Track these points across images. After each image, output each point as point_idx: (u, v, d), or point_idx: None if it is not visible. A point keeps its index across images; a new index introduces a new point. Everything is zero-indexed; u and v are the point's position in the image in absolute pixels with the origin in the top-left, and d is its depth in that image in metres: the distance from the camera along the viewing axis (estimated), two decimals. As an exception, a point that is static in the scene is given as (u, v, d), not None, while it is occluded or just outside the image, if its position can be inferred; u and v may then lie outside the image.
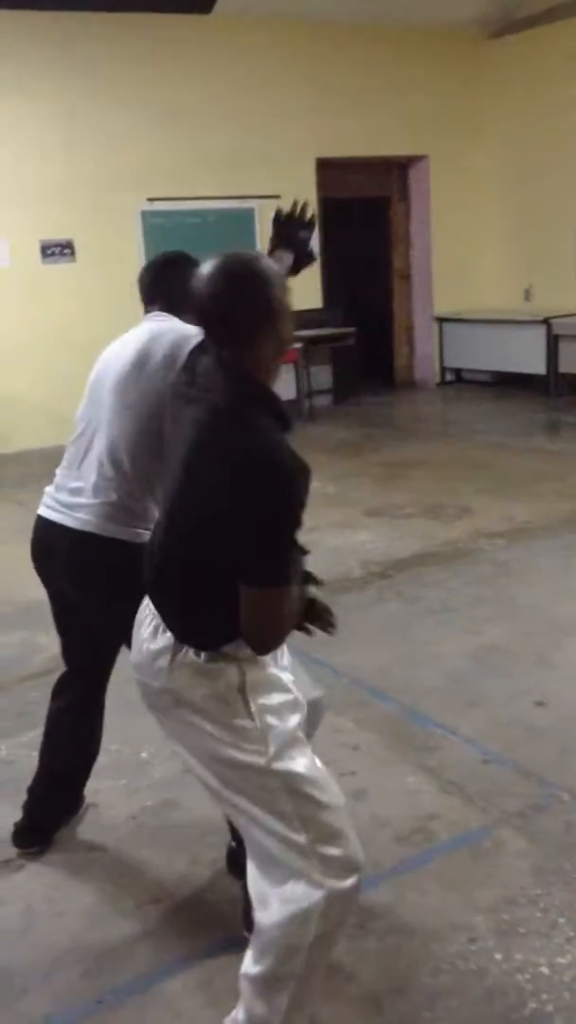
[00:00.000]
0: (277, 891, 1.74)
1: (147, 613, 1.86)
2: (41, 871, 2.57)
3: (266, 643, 1.73)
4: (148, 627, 1.83)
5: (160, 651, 1.78)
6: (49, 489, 2.48)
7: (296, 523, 1.66)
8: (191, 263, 2.47)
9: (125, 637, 1.99)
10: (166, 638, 1.77)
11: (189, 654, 1.75)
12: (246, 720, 1.73)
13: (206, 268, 1.75)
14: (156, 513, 2.15)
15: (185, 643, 1.76)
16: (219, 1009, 2.03)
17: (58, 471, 2.48)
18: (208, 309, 1.73)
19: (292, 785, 1.73)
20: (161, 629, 1.79)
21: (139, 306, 2.51)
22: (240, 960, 2.15)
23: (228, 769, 1.75)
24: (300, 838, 1.72)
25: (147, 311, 2.48)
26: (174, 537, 1.75)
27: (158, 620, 1.80)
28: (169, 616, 1.78)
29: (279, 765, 1.73)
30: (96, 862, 2.59)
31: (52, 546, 2.41)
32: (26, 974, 2.20)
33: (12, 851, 2.62)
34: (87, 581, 2.36)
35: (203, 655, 1.74)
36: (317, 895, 1.71)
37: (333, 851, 1.74)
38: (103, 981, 2.16)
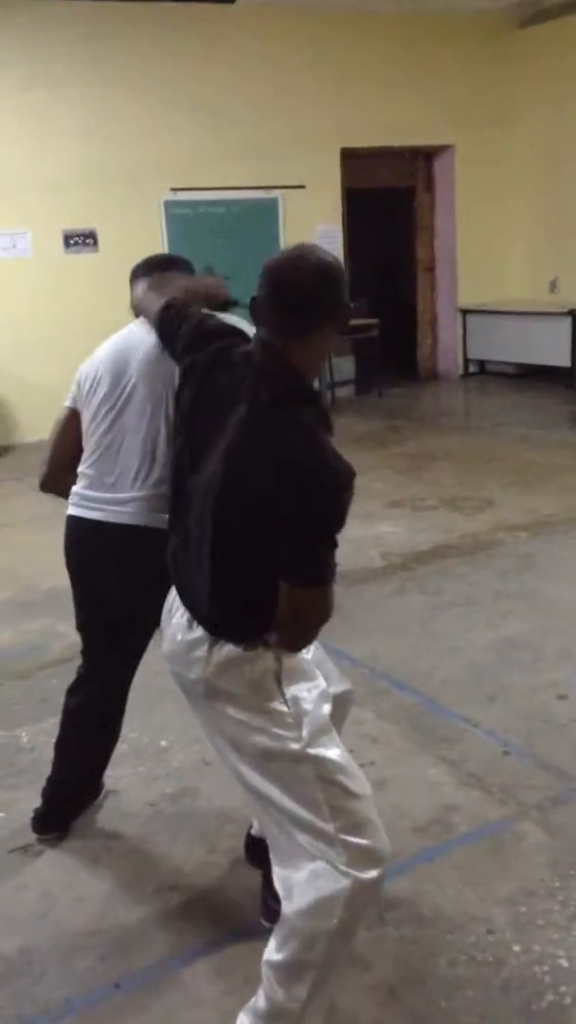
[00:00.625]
0: (302, 880, 1.74)
1: (178, 603, 1.86)
2: (60, 857, 2.58)
3: (301, 639, 1.75)
4: (181, 617, 1.83)
5: (196, 641, 1.78)
6: (80, 489, 2.43)
7: (341, 524, 1.66)
8: (190, 266, 2.49)
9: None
10: (202, 628, 1.78)
11: (227, 645, 1.75)
12: (282, 706, 1.74)
13: (288, 255, 1.75)
14: None
15: (221, 637, 1.76)
16: (237, 996, 2.04)
17: (86, 469, 2.43)
18: (289, 295, 1.71)
19: (324, 772, 1.73)
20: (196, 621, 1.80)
21: None
22: (258, 949, 2.16)
23: (261, 756, 1.75)
24: (329, 827, 1.72)
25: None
26: (209, 531, 1.74)
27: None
28: (203, 610, 1.78)
29: (313, 751, 1.73)
30: (115, 849, 2.60)
31: (96, 544, 2.39)
32: (45, 958, 2.21)
33: (32, 837, 2.63)
34: (137, 573, 2.27)
35: (242, 645, 1.74)
36: (342, 884, 1.71)
37: (361, 841, 1.74)
38: (121, 966, 2.17)
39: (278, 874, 1.80)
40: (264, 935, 2.20)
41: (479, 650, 3.73)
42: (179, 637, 1.82)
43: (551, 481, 6.11)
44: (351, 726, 3.14)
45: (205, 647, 1.76)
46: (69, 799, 2.66)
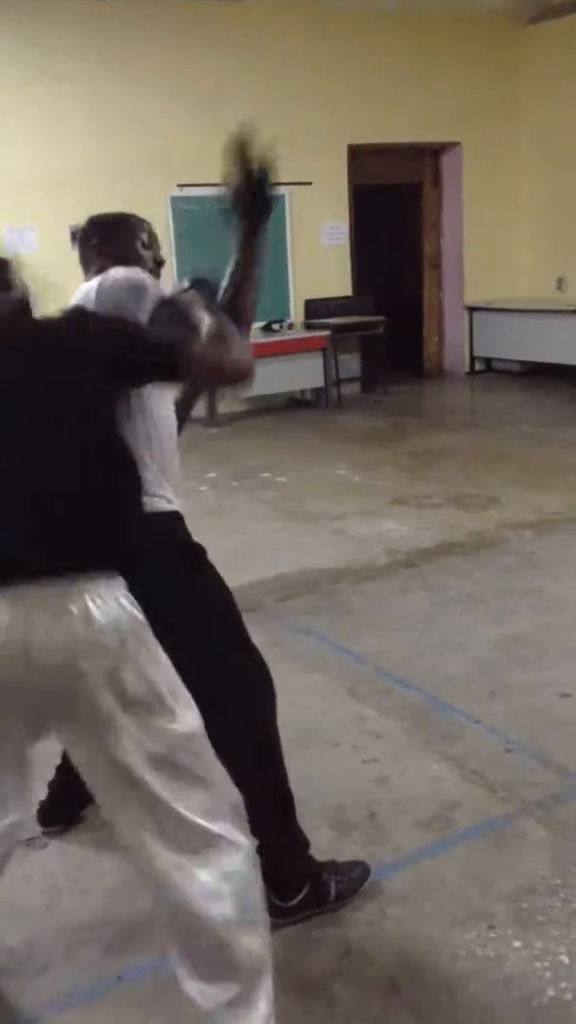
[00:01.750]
0: (215, 872, 1.69)
1: None
2: (65, 849, 2.60)
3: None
4: None
5: None
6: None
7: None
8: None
9: None
10: None
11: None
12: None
13: None
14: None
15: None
16: (238, 989, 2.06)
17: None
18: None
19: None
20: None
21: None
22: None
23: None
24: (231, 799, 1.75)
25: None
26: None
27: None
28: None
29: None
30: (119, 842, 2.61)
31: None
32: (49, 950, 2.23)
33: (38, 829, 2.65)
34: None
35: None
36: (248, 851, 1.74)
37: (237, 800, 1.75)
38: (124, 958, 2.19)
39: (190, 882, 1.74)
40: (275, 927, 2.22)
41: (483, 647, 3.74)
42: None
43: (556, 479, 6.11)
44: (354, 722, 3.18)
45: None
46: (75, 790, 2.66)
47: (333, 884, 2.28)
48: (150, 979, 2.11)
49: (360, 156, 9.40)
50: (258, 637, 3.85)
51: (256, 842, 1.84)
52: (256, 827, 1.89)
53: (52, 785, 2.64)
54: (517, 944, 2.15)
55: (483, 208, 10.02)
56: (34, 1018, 2.04)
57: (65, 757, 2.59)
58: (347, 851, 2.51)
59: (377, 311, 9.52)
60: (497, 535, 5.10)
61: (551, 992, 2.02)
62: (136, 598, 1.73)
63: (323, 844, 2.54)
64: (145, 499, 1.91)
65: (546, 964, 2.09)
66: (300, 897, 2.24)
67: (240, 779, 1.85)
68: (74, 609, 1.62)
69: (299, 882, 2.25)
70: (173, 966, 1.76)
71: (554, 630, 3.86)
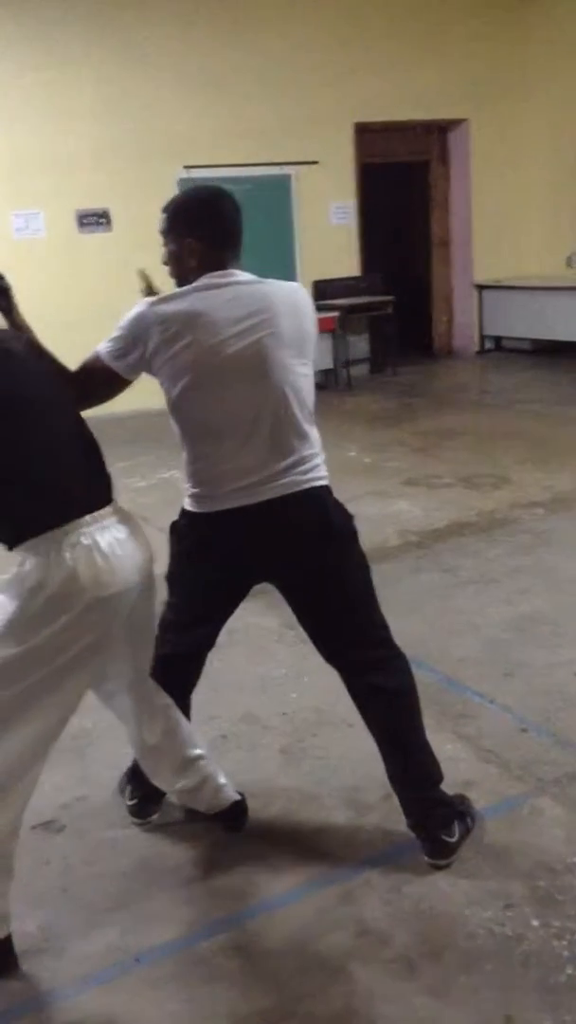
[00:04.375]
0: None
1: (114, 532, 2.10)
2: (82, 832, 2.60)
3: None
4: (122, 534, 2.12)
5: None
6: None
7: None
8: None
9: None
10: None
11: None
12: None
13: None
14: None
15: None
16: (257, 971, 2.07)
17: None
18: None
19: None
20: None
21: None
22: (278, 924, 2.20)
23: None
24: None
25: (226, 263, 2.28)
26: None
27: None
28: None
29: None
30: (135, 825, 2.61)
31: None
32: (66, 933, 2.23)
33: (52, 811, 2.65)
34: None
35: None
36: None
37: None
38: (141, 941, 2.19)
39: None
40: (285, 909, 2.23)
41: (496, 627, 3.72)
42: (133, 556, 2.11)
43: (568, 458, 6.06)
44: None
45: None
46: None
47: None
48: (168, 962, 2.12)
49: (367, 134, 9.32)
50: (270, 620, 3.87)
51: None
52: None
53: (134, 781, 2.61)
54: (535, 923, 2.15)
55: (492, 185, 9.93)
56: (52, 1000, 2.05)
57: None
58: (362, 831, 2.51)
59: (386, 291, 9.46)
60: (509, 514, 5.07)
61: (570, 970, 2.01)
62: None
63: (340, 824, 2.55)
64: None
65: (564, 943, 2.08)
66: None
67: None
68: (134, 527, 2.12)
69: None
70: None
71: (568, 609, 3.83)
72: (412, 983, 2.00)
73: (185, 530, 2.36)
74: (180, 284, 2.28)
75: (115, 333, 2.23)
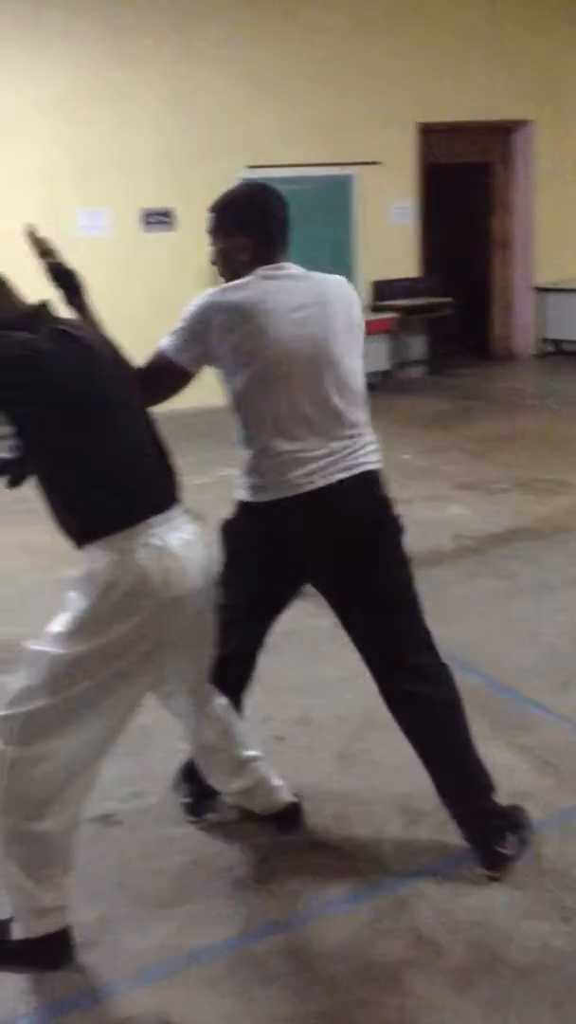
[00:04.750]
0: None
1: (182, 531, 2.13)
2: (138, 827, 2.64)
3: None
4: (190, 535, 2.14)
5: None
6: None
7: None
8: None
9: None
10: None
11: None
12: None
13: None
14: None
15: None
16: (310, 974, 2.08)
17: None
18: None
19: None
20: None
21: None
22: (333, 928, 2.21)
23: None
24: None
25: (276, 258, 2.31)
26: None
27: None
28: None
29: None
30: (192, 822, 2.64)
31: None
32: (122, 927, 2.26)
33: (109, 806, 2.69)
34: None
35: None
36: None
37: None
38: (196, 939, 2.21)
39: None
40: (339, 913, 2.24)
41: (553, 636, 3.69)
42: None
43: (628, 465, 5.98)
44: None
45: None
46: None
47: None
48: (222, 961, 2.14)
49: (430, 134, 9.26)
50: (322, 621, 3.87)
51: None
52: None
53: (189, 780, 2.63)
54: (591, 938, 2.13)
55: (554, 187, 9.81)
56: (109, 993, 2.08)
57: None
58: (416, 839, 2.51)
59: (444, 292, 9.40)
60: (567, 521, 5.01)
61: (626, 989, 1.99)
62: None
63: (393, 832, 2.55)
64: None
65: (621, 960, 2.06)
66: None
67: None
68: (198, 528, 2.15)
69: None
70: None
71: (627, 620, 3.78)
72: (467, 995, 2.00)
73: (241, 525, 2.39)
74: (230, 281, 2.30)
75: (177, 326, 2.26)
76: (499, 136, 9.96)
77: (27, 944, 2.12)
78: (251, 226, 2.28)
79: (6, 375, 1.92)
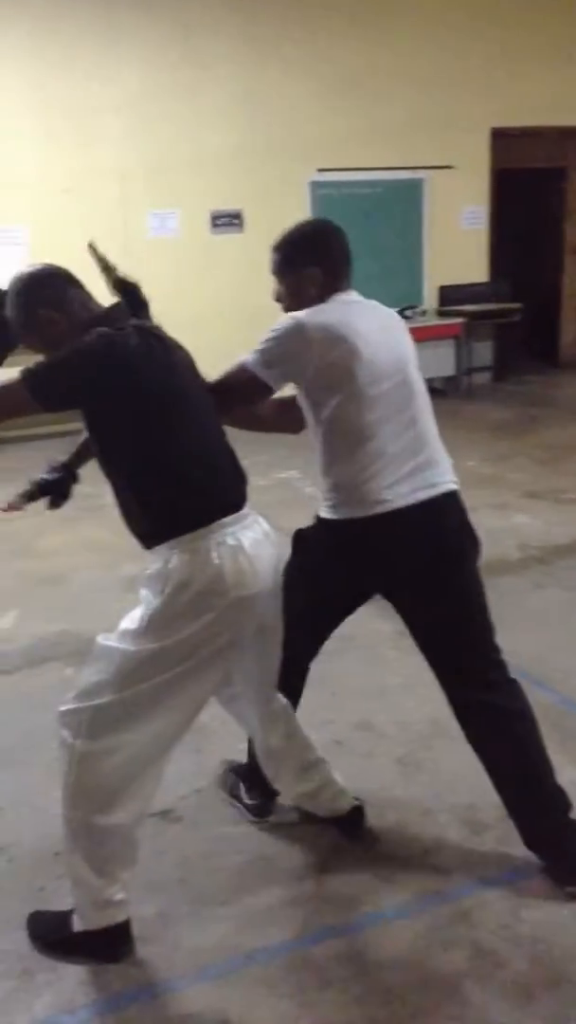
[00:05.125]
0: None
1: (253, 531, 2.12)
2: (198, 824, 2.65)
3: None
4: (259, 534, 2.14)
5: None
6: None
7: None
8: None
9: None
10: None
11: None
12: None
13: None
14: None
15: None
16: (369, 979, 2.06)
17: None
18: None
19: None
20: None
21: None
22: (393, 934, 2.19)
23: None
24: None
25: (343, 287, 2.36)
26: None
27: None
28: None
29: None
30: (251, 823, 2.64)
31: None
32: (181, 923, 2.28)
33: (170, 802, 2.70)
34: None
35: None
36: None
37: None
38: (253, 938, 2.21)
39: None
40: (399, 921, 2.22)
41: (621, 650, 3.61)
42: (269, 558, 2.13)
43: None
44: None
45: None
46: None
47: None
48: (280, 962, 2.13)
49: (503, 139, 9.17)
50: (386, 626, 3.85)
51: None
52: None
53: (254, 781, 2.63)
54: None
55: (630, 193, 9.63)
56: (167, 989, 2.09)
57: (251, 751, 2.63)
58: (478, 850, 2.47)
59: (513, 298, 9.29)
60: None
61: None
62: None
63: (455, 841, 2.52)
64: None
65: None
66: None
67: None
68: (268, 529, 2.16)
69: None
70: None
71: None
72: (527, 1010, 1.96)
73: (320, 537, 2.37)
74: None
75: (265, 344, 2.24)
76: (573, 141, 9.81)
77: (88, 936, 2.14)
78: (320, 260, 2.33)
79: (90, 369, 1.93)
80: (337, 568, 2.36)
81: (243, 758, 2.70)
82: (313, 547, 2.41)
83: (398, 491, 2.25)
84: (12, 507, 2.37)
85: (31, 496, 2.40)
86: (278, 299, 2.39)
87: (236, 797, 2.70)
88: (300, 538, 2.44)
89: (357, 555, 2.32)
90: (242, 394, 2.29)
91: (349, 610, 2.54)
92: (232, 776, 2.74)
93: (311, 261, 2.32)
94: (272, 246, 2.38)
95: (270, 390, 2.29)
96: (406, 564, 2.30)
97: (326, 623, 2.55)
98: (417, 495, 2.26)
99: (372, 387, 2.23)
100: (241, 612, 2.04)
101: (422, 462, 2.29)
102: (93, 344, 1.93)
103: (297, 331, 2.20)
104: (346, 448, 2.28)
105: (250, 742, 2.64)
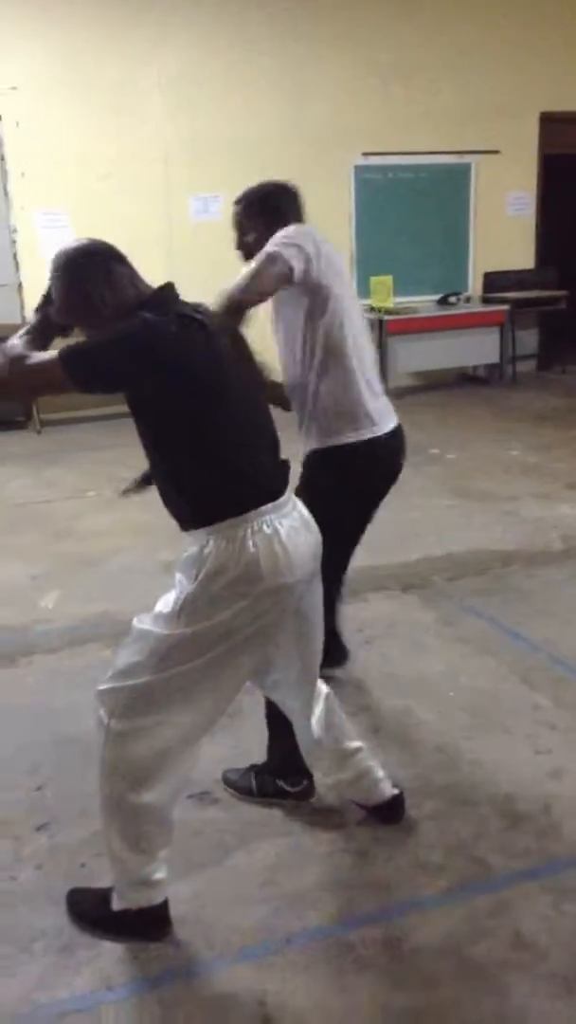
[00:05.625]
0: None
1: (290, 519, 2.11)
2: (235, 806, 2.65)
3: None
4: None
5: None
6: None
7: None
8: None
9: None
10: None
11: None
12: None
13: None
14: None
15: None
16: (406, 965, 2.05)
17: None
18: None
19: None
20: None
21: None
22: (431, 922, 2.17)
23: None
24: None
25: None
26: None
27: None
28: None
29: None
30: (287, 806, 2.63)
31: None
32: (219, 904, 2.28)
33: (206, 784, 2.70)
34: None
35: None
36: None
37: None
38: (290, 922, 2.21)
39: None
40: (434, 908, 2.21)
41: None
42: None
43: None
44: (528, 712, 3.10)
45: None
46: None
47: None
48: (318, 946, 2.13)
49: (551, 123, 9.02)
50: (427, 615, 3.83)
51: None
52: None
53: (286, 768, 2.63)
54: None
55: None
56: (203, 969, 2.10)
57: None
58: (518, 841, 2.45)
59: (559, 285, 9.16)
60: None
61: None
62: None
63: (494, 832, 2.50)
64: None
65: None
66: None
67: None
68: (307, 516, 2.15)
69: None
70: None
71: None
72: (568, 1003, 1.94)
73: (322, 466, 2.72)
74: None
75: (283, 241, 2.55)
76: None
77: (126, 915, 2.15)
78: (286, 209, 2.77)
79: (128, 355, 1.90)
80: (365, 486, 2.78)
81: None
82: (347, 470, 2.73)
83: (383, 413, 2.73)
84: (128, 492, 2.46)
85: (144, 482, 2.41)
86: (241, 247, 2.80)
87: (275, 793, 2.66)
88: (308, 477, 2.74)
89: (364, 474, 2.73)
90: (270, 279, 2.51)
91: (358, 537, 2.92)
92: (259, 777, 2.70)
93: (273, 213, 2.74)
94: (236, 199, 2.86)
95: (292, 273, 2.53)
96: (392, 478, 2.84)
97: (348, 552, 2.89)
98: (393, 417, 2.77)
99: (349, 298, 2.65)
100: (276, 600, 2.02)
101: (379, 386, 2.75)
102: (134, 330, 1.90)
103: (308, 230, 2.59)
104: (336, 365, 2.62)
105: (271, 737, 2.65)
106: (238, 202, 2.81)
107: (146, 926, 2.17)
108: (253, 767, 2.73)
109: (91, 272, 1.99)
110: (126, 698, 2.03)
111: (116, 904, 2.17)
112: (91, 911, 2.23)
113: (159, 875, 2.15)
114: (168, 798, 2.11)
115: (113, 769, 2.06)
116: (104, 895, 2.20)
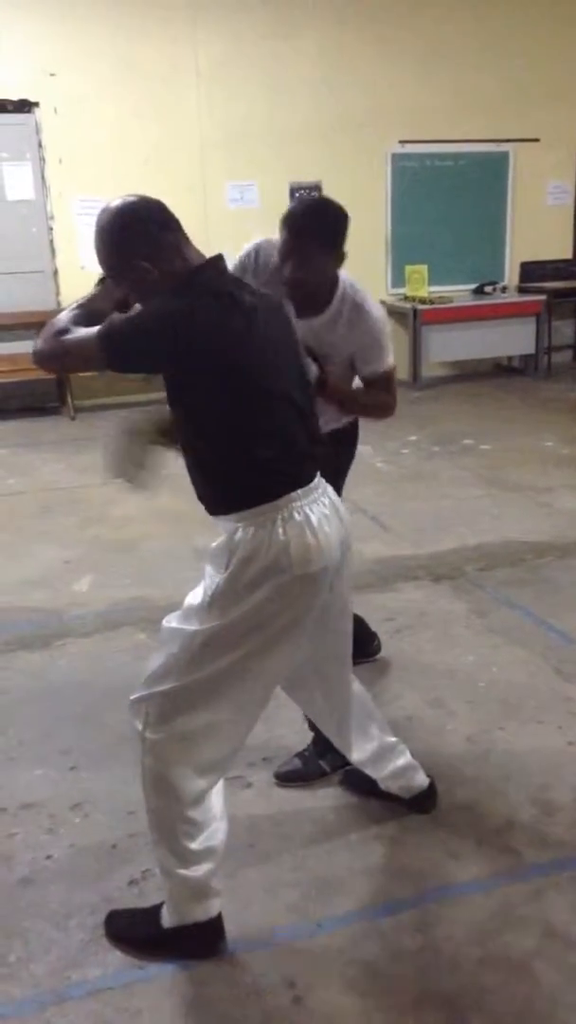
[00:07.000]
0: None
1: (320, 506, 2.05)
2: (267, 792, 2.67)
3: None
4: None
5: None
6: None
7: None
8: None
9: None
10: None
11: None
12: None
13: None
14: None
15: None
16: (436, 953, 2.06)
17: None
18: None
19: None
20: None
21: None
22: (461, 909, 2.18)
23: None
24: None
25: None
26: None
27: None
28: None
29: None
30: (319, 793, 2.65)
31: None
32: (251, 887, 2.30)
33: (239, 769, 2.71)
34: None
35: None
36: None
37: None
38: (323, 907, 2.22)
39: None
40: (469, 896, 2.21)
41: None
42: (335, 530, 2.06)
43: None
44: (562, 703, 3.09)
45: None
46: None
47: None
48: (349, 932, 2.14)
49: (592, 111, 8.91)
50: (459, 605, 3.82)
51: None
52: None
53: (333, 754, 2.64)
54: None
55: None
56: (235, 951, 2.11)
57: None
58: (551, 832, 2.45)
59: (597, 275, 9.06)
60: None
61: None
62: None
63: (526, 821, 2.49)
64: None
65: None
66: None
67: None
68: (337, 503, 2.11)
69: None
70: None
71: None
72: (601, 996, 1.94)
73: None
74: None
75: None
76: None
77: (181, 931, 2.09)
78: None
79: (164, 338, 1.82)
80: None
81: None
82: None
83: None
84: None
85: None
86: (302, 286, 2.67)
87: (319, 770, 2.70)
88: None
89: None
90: None
91: None
92: (302, 759, 2.73)
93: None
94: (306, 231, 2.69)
95: None
96: None
97: None
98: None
99: None
100: (306, 588, 1.96)
101: None
102: (172, 312, 1.81)
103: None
104: None
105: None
106: (304, 230, 2.70)
107: (203, 940, 2.10)
108: (295, 759, 2.75)
109: (133, 238, 1.88)
110: (158, 706, 1.97)
111: (169, 920, 2.10)
112: (139, 931, 2.16)
113: (214, 883, 2.09)
114: (213, 801, 2.07)
115: (155, 780, 1.99)
116: (150, 914, 2.15)
